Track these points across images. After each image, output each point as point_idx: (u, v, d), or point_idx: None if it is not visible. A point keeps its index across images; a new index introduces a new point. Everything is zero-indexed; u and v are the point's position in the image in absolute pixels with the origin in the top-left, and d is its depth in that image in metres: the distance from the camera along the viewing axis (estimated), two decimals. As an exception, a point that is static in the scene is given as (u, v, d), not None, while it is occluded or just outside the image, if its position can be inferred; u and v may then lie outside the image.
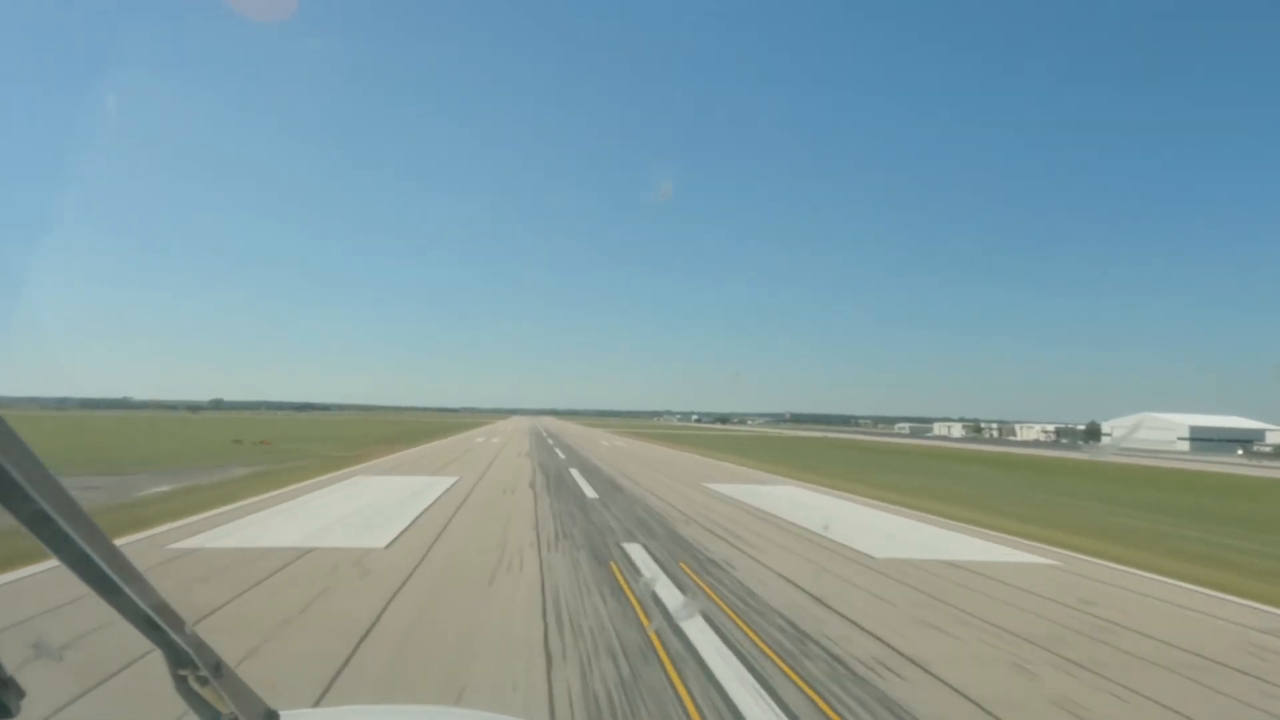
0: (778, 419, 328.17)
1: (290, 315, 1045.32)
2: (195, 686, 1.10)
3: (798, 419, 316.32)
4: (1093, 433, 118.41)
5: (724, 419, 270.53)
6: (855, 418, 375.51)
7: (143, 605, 0.96)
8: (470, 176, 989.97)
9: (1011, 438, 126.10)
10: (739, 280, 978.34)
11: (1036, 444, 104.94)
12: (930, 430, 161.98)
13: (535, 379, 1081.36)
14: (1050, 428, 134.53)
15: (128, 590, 0.93)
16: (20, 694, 0.91)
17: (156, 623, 0.99)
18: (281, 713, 1.30)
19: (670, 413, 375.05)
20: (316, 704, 4.39)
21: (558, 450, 35.99)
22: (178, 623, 1.02)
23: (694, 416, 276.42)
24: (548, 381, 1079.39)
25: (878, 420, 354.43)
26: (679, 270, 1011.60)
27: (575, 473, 22.54)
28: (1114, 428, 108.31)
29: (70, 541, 0.83)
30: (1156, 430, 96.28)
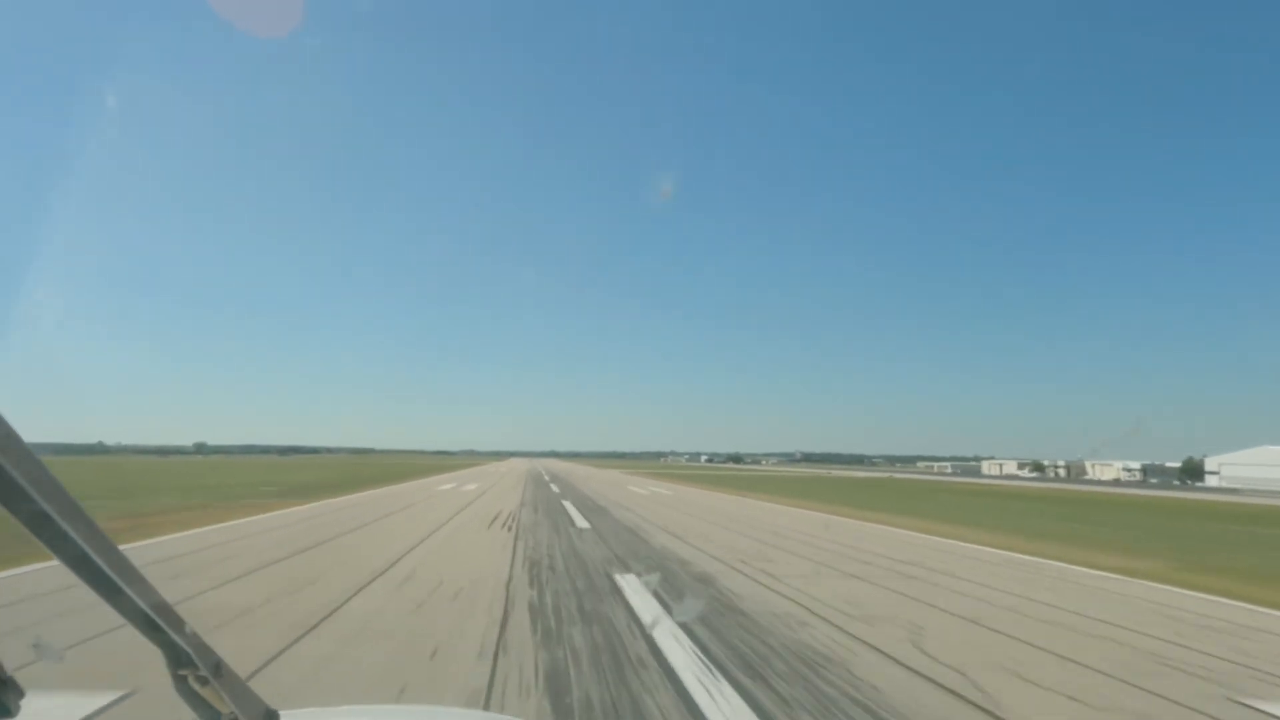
0: (788, 458, 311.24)
1: (281, 357, 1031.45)
2: (195, 686, 1.08)
3: (809, 458, 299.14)
4: (1192, 470, 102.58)
5: (737, 459, 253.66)
6: (868, 457, 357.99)
7: (143, 605, 0.94)
8: (468, 215, 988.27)
9: (1085, 476, 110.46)
10: (742, 319, 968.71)
11: (1130, 484, 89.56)
12: (980, 469, 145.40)
13: (535, 422, 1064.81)
14: (1134, 465, 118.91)
15: (128, 590, 0.91)
16: (20, 694, 0.88)
17: (156, 623, 0.98)
18: (281, 712, 1.26)
19: (675, 453, 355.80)
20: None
21: (579, 513, 18.40)
22: (177, 623, 1.01)
23: (703, 457, 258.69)
24: (548, 424, 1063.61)
25: (892, 459, 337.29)
26: (681, 310, 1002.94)
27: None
28: (1222, 463, 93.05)
29: (70, 542, 0.82)
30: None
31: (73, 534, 0.81)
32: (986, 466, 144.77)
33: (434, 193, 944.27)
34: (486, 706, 3.95)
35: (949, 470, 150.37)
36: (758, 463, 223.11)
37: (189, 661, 1.06)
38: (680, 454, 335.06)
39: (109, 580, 0.89)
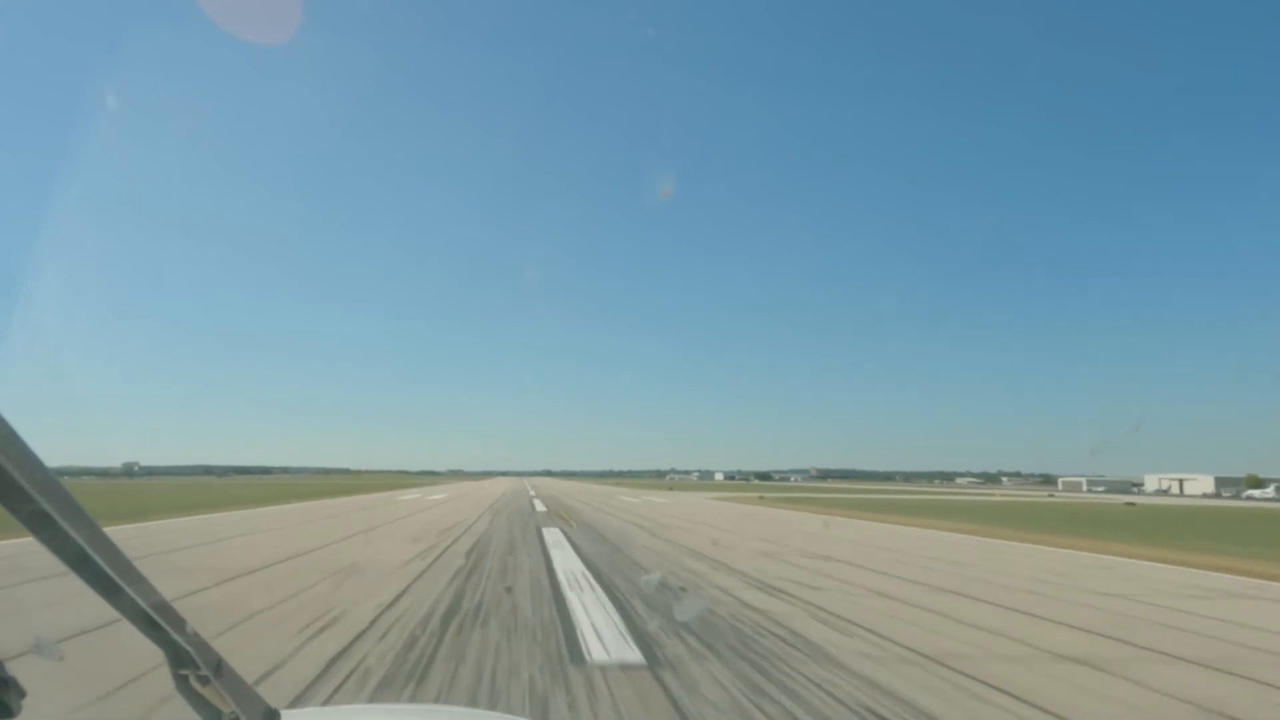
0: (803, 474, 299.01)
1: (247, 373, 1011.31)
2: (196, 686, 1.09)
3: (826, 475, 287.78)
4: (1256, 484, 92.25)
5: (765, 476, 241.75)
6: (893, 473, 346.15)
7: (143, 605, 0.95)
8: (455, 229, 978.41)
9: (1137, 487, 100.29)
10: (747, 334, 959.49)
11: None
12: (1057, 487, 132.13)
13: (528, 440, 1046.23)
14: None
15: (129, 590, 0.93)
16: (21, 694, 0.89)
17: (157, 622, 0.99)
18: (282, 712, 1.27)
19: (677, 472, 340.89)
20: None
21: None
22: (178, 622, 1.01)
23: (717, 475, 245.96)
24: (540, 443, 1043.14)
25: (909, 475, 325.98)
26: (681, 325, 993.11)
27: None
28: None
29: (71, 541, 0.83)
30: None
31: (73, 534, 0.81)
32: (1062, 483, 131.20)
33: (425, 206, 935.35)
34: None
35: (1004, 483, 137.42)
36: (786, 479, 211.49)
37: (190, 661, 1.05)
38: (688, 472, 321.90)
39: (110, 580, 0.89)
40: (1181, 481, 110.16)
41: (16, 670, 0.88)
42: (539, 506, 28.30)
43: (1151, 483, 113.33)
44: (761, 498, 47.43)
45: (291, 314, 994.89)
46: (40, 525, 0.79)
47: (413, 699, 4.49)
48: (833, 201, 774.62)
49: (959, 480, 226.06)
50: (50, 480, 0.76)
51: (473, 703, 4.44)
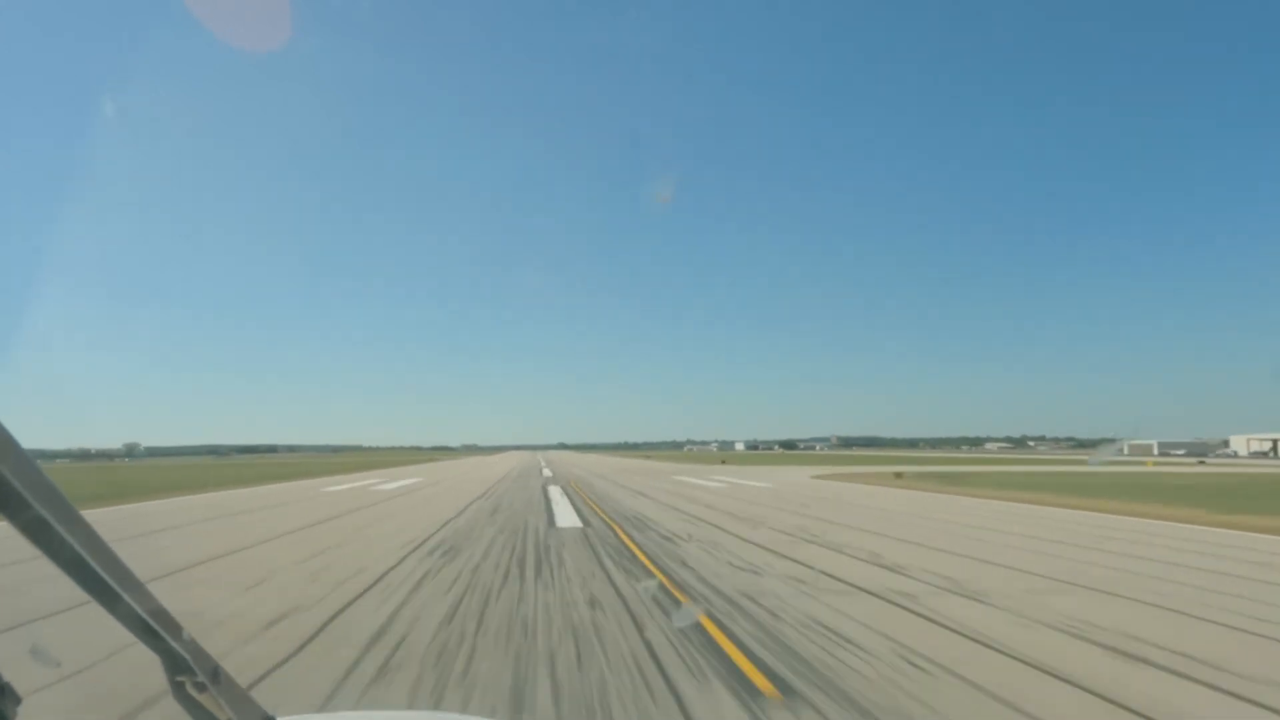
0: (824, 443, 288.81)
1: (256, 355, 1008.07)
2: (193, 693, 1.08)
3: (848, 443, 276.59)
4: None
5: (790, 445, 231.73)
6: (919, 440, 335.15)
7: (140, 611, 0.95)
8: (469, 206, 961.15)
9: (1222, 449, 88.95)
10: (767, 304, 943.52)
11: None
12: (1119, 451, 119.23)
13: (542, 414, 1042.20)
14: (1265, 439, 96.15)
15: (125, 597, 0.92)
16: (16, 700, 0.90)
17: (154, 629, 0.98)
18: (279, 718, 1.24)
19: (694, 442, 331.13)
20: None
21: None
22: (175, 629, 1.01)
23: (737, 445, 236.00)
24: (556, 417, 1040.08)
25: (935, 443, 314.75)
26: (694, 295, 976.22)
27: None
28: None
29: (68, 548, 0.83)
30: None
31: (70, 540, 0.81)
32: (1126, 447, 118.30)
33: (440, 187, 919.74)
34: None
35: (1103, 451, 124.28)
36: (812, 449, 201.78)
37: (186, 668, 1.04)
38: (703, 443, 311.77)
39: (106, 586, 0.89)
40: (1276, 442, 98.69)
41: (11, 677, 0.89)
42: (563, 517, 15.97)
43: (1239, 444, 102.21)
44: (899, 475, 35.37)
45: (305, 296, 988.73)
46: (37, 531, 0.78)
47: None
48: (860, 168, 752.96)
49: (988, 446, 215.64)
50: (47, 486, 0.76)
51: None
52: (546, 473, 40.65)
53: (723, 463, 65.20)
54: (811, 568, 9.31)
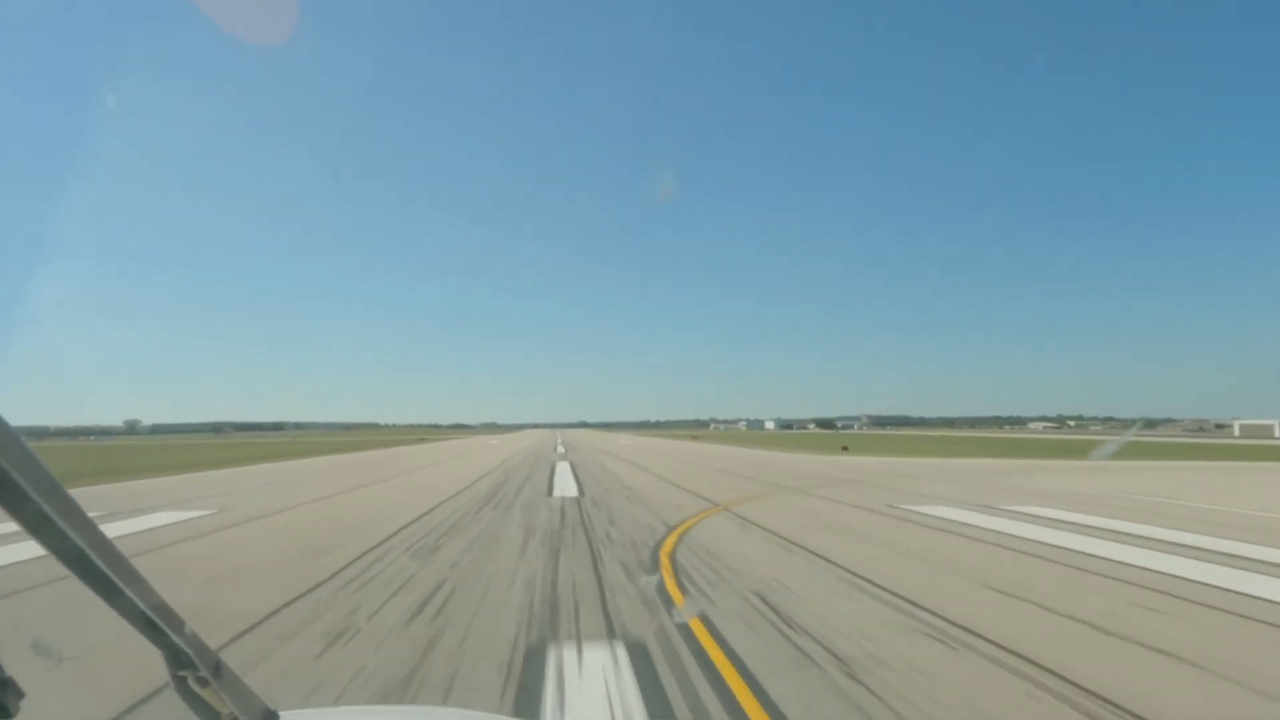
0: (854, 422, 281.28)
1: (274, 330, 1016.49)
2: (195, 687, 1.08)
3: (881, 422, 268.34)
4: None
5: (828, 424, 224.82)
6: (955, 420, 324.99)
7: (142, 606, 0.95)
8: (488, 189, 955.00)
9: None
10: (791, 281, 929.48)
11: None
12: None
13: (563, 393, 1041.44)
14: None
15: (128, 591, 0.92)
16: (19, 694, 0.89)
17: (156, 624, 0.99)
18: (281, 713, 1.26)
19: (719, 421, 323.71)
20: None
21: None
22: (177, 623, 1.01)
23: (767, 424, 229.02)
24: (577, 394, 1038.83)
25: (973, 421, 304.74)
26: (721, 273, 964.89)
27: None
28: None
29: (70, 543, 0.83)
30: None
31: (72, 534, 0.81)
32: (1238, 428, 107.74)
33: (462, 165, 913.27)
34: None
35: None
36: (849, 427, 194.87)
37: (188, 662, 1.04)
38: (730, 422, 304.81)
39: (108, 580, 0.89)
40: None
41: (15, 671, 0.86)
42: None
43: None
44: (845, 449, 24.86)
45: (321, 273, 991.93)
46: (39, 526, 0.78)
47: None
48: (889, 146, 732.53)
49: (1031, 425, 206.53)
50: (49, 480, 0.75)
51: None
52: (546, 448, 30.07)
53: (844, 449, 45.19)
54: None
